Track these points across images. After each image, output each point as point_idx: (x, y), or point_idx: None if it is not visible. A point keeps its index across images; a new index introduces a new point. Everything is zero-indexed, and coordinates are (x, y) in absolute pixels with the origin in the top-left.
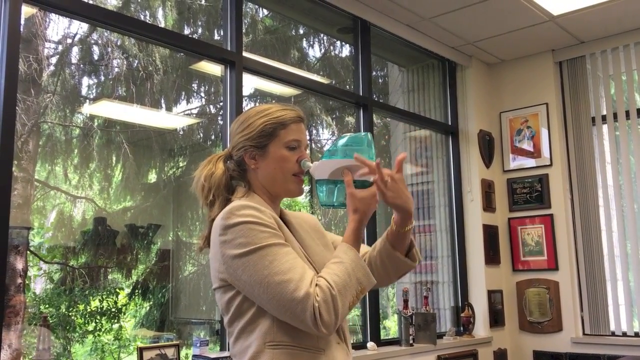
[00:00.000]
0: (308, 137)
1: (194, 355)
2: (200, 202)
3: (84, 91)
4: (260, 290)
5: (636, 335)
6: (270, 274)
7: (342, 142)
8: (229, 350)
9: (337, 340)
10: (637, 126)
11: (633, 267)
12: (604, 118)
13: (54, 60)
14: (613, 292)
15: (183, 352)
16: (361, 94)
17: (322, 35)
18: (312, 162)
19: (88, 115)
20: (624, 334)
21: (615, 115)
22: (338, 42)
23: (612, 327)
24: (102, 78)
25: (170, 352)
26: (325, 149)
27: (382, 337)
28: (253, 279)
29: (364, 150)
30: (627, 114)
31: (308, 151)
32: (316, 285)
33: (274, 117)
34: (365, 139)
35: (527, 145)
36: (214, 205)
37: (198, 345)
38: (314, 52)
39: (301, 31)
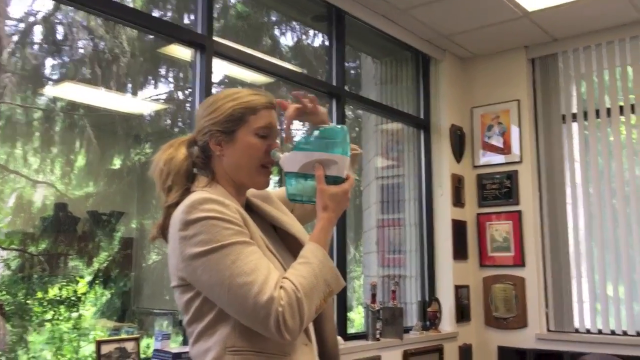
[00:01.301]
0: (279, 127)
1: (155, 350)
2: (157, 188)
3: (46, 72)
4: (221, 292)
5: (599, 332)
6: (232, 275)
7: (315, 134)
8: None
9: (304, 342)
10: (606, 126)
11: (598, 265)
12: (574, 116)
13: (15, 38)
14: (578, 290)
15: (145, 342)
16: (334, 84)
17: (295, 23)
18: (282, 153)
19: (51, 98)
20: (588, 331)
21: (585, 114)
22: (311, 32)
23: (576, 324)
24: (67, 59)
25: (130, 345)
26: (295, 139)
27: (348, 332)
28: (214, 280)
29: (338, 144)
30: (597, 113)
31: (279, 141)
32: (281, 287)
33: (243, 101)
34: (340, 132)
35: (497, 142)
36: (171, 191)
37: (160, 338)
38: (286, 40)
39: (274, 18)
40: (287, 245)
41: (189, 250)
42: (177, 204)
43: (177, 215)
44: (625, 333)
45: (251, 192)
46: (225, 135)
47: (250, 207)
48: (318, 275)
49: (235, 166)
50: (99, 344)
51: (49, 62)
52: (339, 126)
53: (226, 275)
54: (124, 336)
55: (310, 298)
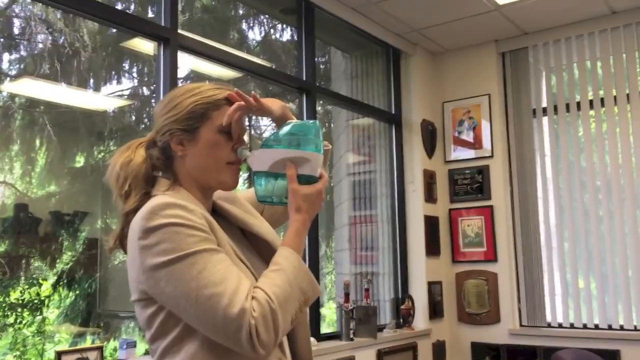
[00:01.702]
0: (247, 123)
1: None
2: (114, 194)
3: (3, 67)
4: (187, 306)
5: (572, 326)
6: (199, 287)
7: (286, 129)
8: None
9: (278, 356)
10: (576, 119)
11: (569, 259)
12: (544, 110)
13: None
14: (550, 284)
15: (111, 345)
16: (304, 79)
17: (263, 17)
18: (250, 151)
19: (8, 94)
20: (560, 326)
21: (555, 108)
22: (279, 25)
23: (549, 319)
24: (24, 54)
25: (92, 355)
26: (265, 136)
27: (321, 330)
28: (178, 292)
29: (310, 141)
30: (567, 107)
31: (247, 138)
32: (252, 298)
33: (205, 96)
34: (312, 128)
35: (468, 136)
36: (129, 197)
37: (124, 347)
38: (254, 34)
39: (241, 12)
40: (258, 251)
41: (150, 261)
42: (136, 210)
43: (136, 222)
44: (597, 327)
45: (217, 195)
46: (187, 133)
47: (216, 211)
48: (293, 283)
49: (200, 167)
50: (59, 355)
51: (5, 57)
52: (311, 121)
53: (192, 287)
54: (86, 345)
55: (285, 308)
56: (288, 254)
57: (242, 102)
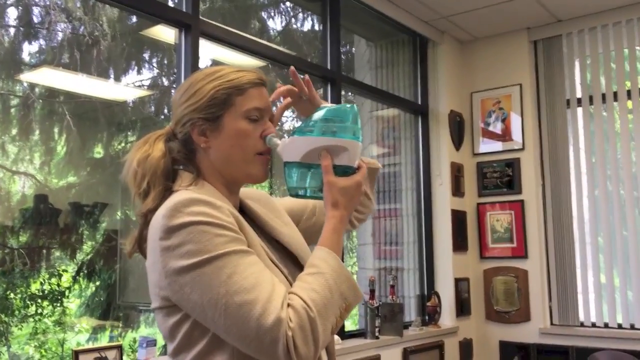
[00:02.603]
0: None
1: None
2: (132, 194)
3: (22, 57)
4: (215, 315)
5: (606, 326)
6: (228, 293)
7: (320, 115)
8: None
9: None
10: (612, 110)
11: (604, 255)
12: (579, 101)
13: None
14: (583, 282)
15: (130, 336)
16: (329, 68)
17: (284, 5)
18: (280, 139)
19: (27, 84)
20: (593, 325)
21: (590, 99)
22: (300, 15)
23: (582, 318)
24: (44, 43)
25: (111, 354)
26: (286, 128)
27: (345, 329)
28: (206, 300)
29: (347, 127)
30: (603, 97)
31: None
32: (288, 305)
33: (227, 80)
34: (350, 113)
35: (498, 128)
36: (148, 196)
37: (144, 345)
38: (275, 24)
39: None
40: (287, 257)
41: (173, 264)
42: (155, 209)
43: (157, 220)
44: (632, 327)
45: (243, 193)
46: (209, 123)
47: (242, 210)
48: (332, 288)
49: (225, 159)
50: (76, 354)
51: (25, 46)
52: (348, 105)
53: (221, 294)
54: (104, 344)
55: (324, 317)
56: (325, 255)
57: (295, 88)
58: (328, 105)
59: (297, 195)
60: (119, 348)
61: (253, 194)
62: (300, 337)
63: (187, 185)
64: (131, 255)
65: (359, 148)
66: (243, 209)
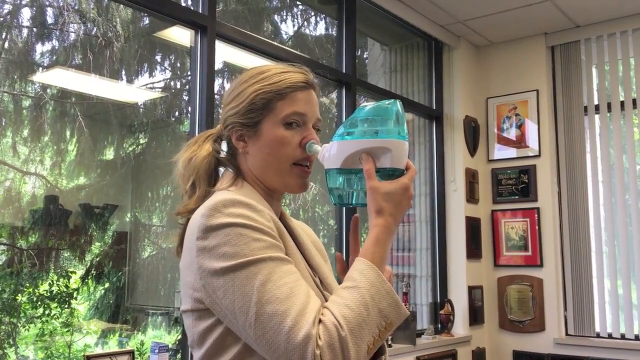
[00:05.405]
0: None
1: None
2: (182, 193)
3: (35, 57)
4: (245, 323)
5: (622, 337)
6: (260, 302)
7: (359, 115)
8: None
9: None
10: (632, 117)
11: (621, 265)
12: (597, 108)
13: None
14: (599, 292)
15: (139, 338)
16: (344, 72)
17: (300, 6)
18: (321, 145)
19: (40, 84)
20: (610, 336)
21: (609, 106)
22: (313, 18)
23: (598, 329)
24: (56, 44)
25: None
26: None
27: None
28: (237, 306)
29: (390, 127)
30: (622, 104)
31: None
32: (320, 321)
33: (269, 83)
34: (392, 110)
35: (514, 134)
36: (193, 195)
37: (156, 351)
38: (287, 28)
39: (276, 2)
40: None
41: (208, 265)
42: (196, 209)
43: (196, 219)
44: None
45: (291, 221)
46: (248, 128)
47: (286, 226)
48: (369, 305)
49: (261, 167)
50: (88, 359)
51: (38, 47)
52: (388, 102)
53: (253, 301)
54: (115, 349)
55: (358, 336)
56: (365, 268)
57: None
58: (368, 103)
59: (341, 205)
60: (131, 354)
61: (302, 226)
62: (329, 356)
63: (227, 186)
64: (180, 254)
65: (404, 148)
66: (285, 225)
